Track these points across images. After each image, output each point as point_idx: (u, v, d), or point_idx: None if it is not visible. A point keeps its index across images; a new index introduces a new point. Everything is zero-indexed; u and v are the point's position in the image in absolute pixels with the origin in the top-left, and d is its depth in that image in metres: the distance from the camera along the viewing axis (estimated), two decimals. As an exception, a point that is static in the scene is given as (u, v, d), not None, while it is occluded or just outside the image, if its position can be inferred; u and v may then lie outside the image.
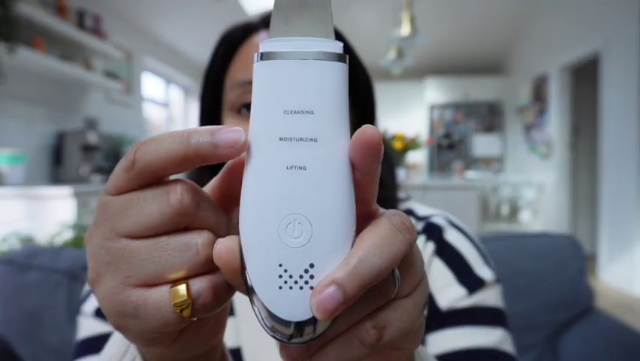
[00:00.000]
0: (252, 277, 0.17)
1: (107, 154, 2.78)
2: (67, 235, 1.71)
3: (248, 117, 0.42)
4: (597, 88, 3.74)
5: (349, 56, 0.46)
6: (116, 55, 3.08)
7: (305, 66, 0.17)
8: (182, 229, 0.19)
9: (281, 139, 0.17)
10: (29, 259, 0.77)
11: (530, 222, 3.38)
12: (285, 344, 0.18)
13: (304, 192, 0.17)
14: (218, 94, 0.47)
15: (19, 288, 0.75)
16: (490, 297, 0.47)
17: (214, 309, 0.19)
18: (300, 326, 0.17)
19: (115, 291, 0.19)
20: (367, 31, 5.20)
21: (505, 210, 3.59)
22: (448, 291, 0.46)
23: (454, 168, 4.81)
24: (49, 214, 1.99)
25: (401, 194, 0.55)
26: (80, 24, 2.73)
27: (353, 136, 0.17)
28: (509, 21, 5.31)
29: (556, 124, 4.46)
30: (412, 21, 3.07)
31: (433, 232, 0.49)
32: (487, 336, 0.44)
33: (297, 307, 0.17)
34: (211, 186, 0.22)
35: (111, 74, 3.14)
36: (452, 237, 0.49)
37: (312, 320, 0.17)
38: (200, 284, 0.19)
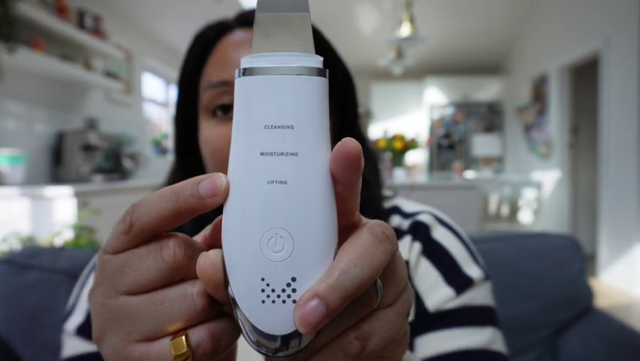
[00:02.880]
0: (235, 291, 0.17)
1: (107, 154, 2.78)
2: (68, 235, 1.71)
3: (222, 120, 0.42)
4: (597, 88, 3.74)
5: (329, 56, 0.46)
6: (116, 55, 3.09)
7: (284, 81, 0.17)
8: (177, 281, 0.20)
9: (262, 154, 0.17)
10: (29, 259, 0.77)
11: (530, 222, 3.38)
12: (270, 357, 0.18)
13: (285, 207, 0.17)
14: (193, 95, 0.46)
15: (19, 288, 0.75)
16: (479, 296, 0.46)
17: (215, 356, 0.19)
18: (284, 339, 0.17)
19: (119, 348, 0.19)
20: (367, 31, 5.20)
21: (505, 210, 3.59)
22: (435, 292, 0.45)
23: (454, 168, 4.81)
24: (50, 214, 1.99)
25: (387, 192, 0.54)
26: (80, 24, 2.73)
27: (333, 149, 0.17)
28: (509, 21, 5.31)
29: (556, 124, 4.46)
30: (412, 21, 3.07)
31: (419, 231, 0.48)
32: (476, 336, 0.43)
33: (280, 321, 0.17)
34: (203, 235, 0.22)
35: (111, 74, 3.14)
36: (440, 234, 0.48)
37: (297, 333, 0.17)
38: (199, 334, 0.19)
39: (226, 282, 0.18)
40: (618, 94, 3.40)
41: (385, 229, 0.19)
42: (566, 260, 0.82)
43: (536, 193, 3.30)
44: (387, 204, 0.52)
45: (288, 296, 0.17)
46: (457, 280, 0.46)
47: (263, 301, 0.17)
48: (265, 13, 0.18)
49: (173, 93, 4.83)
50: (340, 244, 0.18)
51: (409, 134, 3.51)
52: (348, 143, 0.17)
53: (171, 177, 0.49)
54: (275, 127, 0.17)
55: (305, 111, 0.17)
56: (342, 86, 0.48)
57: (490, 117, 5.97)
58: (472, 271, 0.47)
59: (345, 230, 0.19)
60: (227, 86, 0.41)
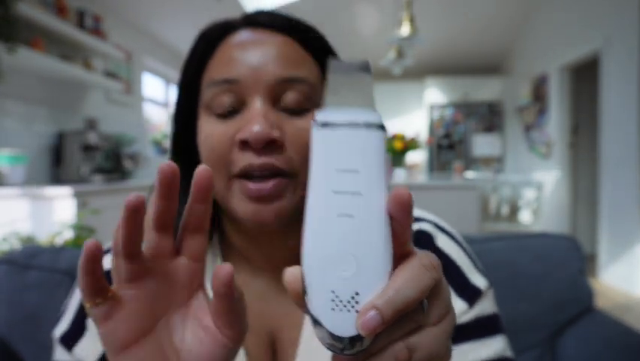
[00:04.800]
0: (311, 299, 0.22)
1: (107, 154, 2.78)
2: (68, 235, 1.71)
3: (223, 117, 0.41)
4: (597, 88, 3.74)
5: (331, 55, 0.45)
6: (116, 55, 3.08)
7: (353, 134, 0.21)
8: None
9: (334, 192, 0.21)
10: (30, 259, 0.77)
11: (530, 222, 3.38)
12: (337, 354, 0.23)
13: (352, 235, 0.21)
14: (194, 92, 0.45)
15: (19, 288, 0.75)
16: (487, 305, 0.47)
17: None
18: (349, 340, 0.22)
19: None
20: (367, 31, 5.20)
21: (505, 210, 3.59)
22: None
23: (454, 168, 4.82)
24: (50, 214, 1.99)
25: None
26: (80, 24, 2.73)
27: (390, 195, 0.21)
28: (509, 21, 5.31)
29: (556, 124, 4.46)
30: (412, 21, 3.07)
31: (424, 241, 0.48)
32: (491, 347, 0.45)
33: (346, 325, 0.21)
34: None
35: (111, 74, 3.14)
36: (443, 243, 0.48)
37: (359, 337, 0.21)
38: None
39: (304, 292, 0.22)
40: (618, 94, 3.40)
41: (432, 260, 0.23)
42: (566, 260, 0.82)
43: (536, 193, 3.30)
44: None
45: (352, 306, 0.21)
46: (468, 292, 0.46)
47: (332, 309, 0.21)
48: (337, 74, 0.22)
49: (173, 93, 4.83)
50: (395, 268, 0.22)
51: (409, 134, 3.51)
52: (401, 191, 0.21)
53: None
54: (345, 171, 0.21)
55: (368, 159, 0.21)
56: None
57: (490, 117, 5.97)
58: (478, 280, 0.48)
59: (400, 257, 0.23)
60: (231, 84, 0.41)
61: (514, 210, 3.60)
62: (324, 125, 0.22)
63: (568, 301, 0.80)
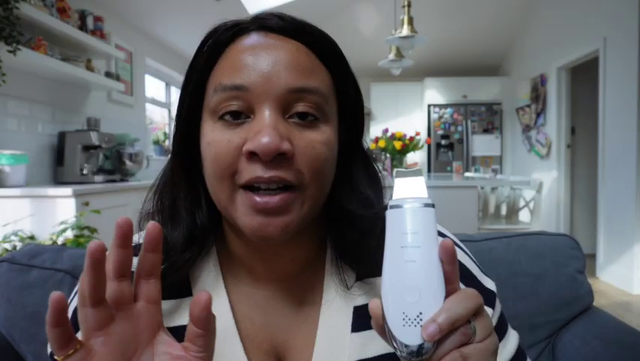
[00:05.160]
0: (388, 320, 0.30)
1: (109, 154, 2.79)
2: (69, 235, 1.71)
3: (229, 125, 0.40)
4: (595, 88, 3.74)
5: (347, 75, 0.45)
6: (118, 55, 3.09)
7: (414, 210, 0.31)
8: None
9: (402, 247, 0.31)
10: (31, 259, 0.78)
11: (529, 221, 3.38)
12: (408, 359, 0.30)
13: (416, 274, 0.30)
14: (199, 93, 0.43)
15: (21, 287, 0.75)
16: (499, 306, 0.49)
17: None
18: (417, 348, 0.29)
19: None
20: (367, 32, 5.21)
21: (504, 210, 3.59)
22: None
23: (453, 168, 4.82)
24: (51, 214, 1.99)
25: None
26: (82, 25, 2.73)
27: (440, 245, 0.30)
28: (508, 22, 5.31)
29: (554, 124, 4.47)
30: (412, 22, 3.07)
31: None
32: (509, 344, 0.48)
33: (414, 336, 0.29)
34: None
35: (113, 75, 3.15)
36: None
37: (424, 345, 0.29)
38: None
39: (383, 316, 0.31)
40: (617, 94, 3.41)
41: (473, 293, 0.31)
42: (565, 259, 0.82)
43: (535, 193, 3.30)
44: None
45: (418, 323, 0.29)
46: (485, 296, 0.47)
47: (403, 326, 0.30)
48: (400, 177, 0.33)
49: (174, 94, 4.84)
50: (447, 296, 0.31)
51: (408, 135, 3.51)
52: (447, 242, 0.30)
53: (168, 175, 0.47)
54: (409, 233, 0.31)
55: (424, 225, 0.31)
56: (353, 104, 0.46)
57: (489, 118, 5.97)
58: (489, 283, 0.49)
59: (451, 291, 0.31)
60: (240, 90, 0.39)
61: (513, 210, 3.60)
62: (395, 207, 0.32)
63: (567, 301, 0.80)
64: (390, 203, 0.32)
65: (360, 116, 0.48)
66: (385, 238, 0.32)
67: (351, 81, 0.46)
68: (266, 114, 0.38)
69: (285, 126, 0.39)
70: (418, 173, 0.33)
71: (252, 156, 0.38)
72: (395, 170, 0.34)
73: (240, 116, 0.40)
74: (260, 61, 0.39)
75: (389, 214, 0.32)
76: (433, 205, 0.32)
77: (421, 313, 0.29)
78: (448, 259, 0.30)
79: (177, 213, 0.45)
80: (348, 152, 0.46)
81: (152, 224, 0.31)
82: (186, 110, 0.44)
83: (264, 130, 0.37)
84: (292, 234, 0.40)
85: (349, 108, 0.46)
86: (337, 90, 0.44)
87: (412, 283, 0.30)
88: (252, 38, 0.41)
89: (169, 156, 0.47)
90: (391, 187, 0.57)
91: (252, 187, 0.38)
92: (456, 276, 0.31)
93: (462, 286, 0.32)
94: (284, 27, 0.42)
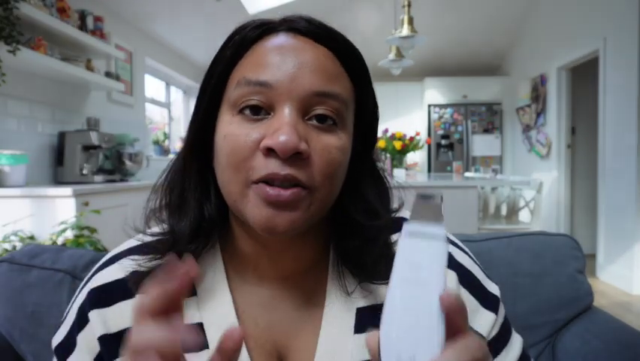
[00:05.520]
0: (383, 358, 0.28)
1: (108, 154, 2.79)
2: (69, 235, 1.71)
3: (248, 119, 0.40)
4: (595, 88, 3.74)
5: (367, 87, 0.45)
6: (118, 55, 3.09)
7: (425, 243, 0.30)
8: None
9: (407, 281, 0.29)
10: (31, 259, 0.78)
11: (529, 221, 3.38)
12: None
13: (415, 313, 0.28)
14: (220, 87, 0.43)
15: (20, 287, 0.75)
16: (502, 311, 0.49)
17: None
18: None
19: None
20: (367, 32, 5.21)
21: (504, 210, 3.59)
22: (479, 317, 0.47)
23: (453, 168, 4.82)
24: (51, 214, 1.99)
25: (395, 205, 0.54)
26: (82, 25, 2.73)
27: (441, 297, 0.27)
28: (508, 22, 5.32)
29: (554, 124, 4.47)
30: (412, 22, 3.07)
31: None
32: (515, 347, 0.48)
33: None
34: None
35: (113, 75, 3.15)
36: (459, 257, 0.49)
37: None
38: None
39: (379, 353, 0.28)
40: (617, 94, 3.41)
41: (474, 345, 0.28)
42: (565, 259, 0.82)
43: (535, 193, 3.30)
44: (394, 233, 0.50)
45: None
46: (490, 301, 0.48)
47: None
48: (420, 200, 0.32)
49: (173, 94, 4.84)
50: (451, 337, 0.28)
51: (408, 135, 3.51)
52: (448, 295, 0.27)
53: (179, 165, 0.46)
54: (417, 267, 0.29)
55: (433, 260, 0.29)
56: (370, 116, 0.47)
57: (490, 117, 5.97)
58: (492, 287, 0.49)
59: (456, 333, 0.28)
60: (264, 87, 0.39)
61: (513, 210, 3.60)
62: (412, 236, 0.31)
63: (567, 300, 0.80)
64: (404, 228, 0.30)
65: (375, 129, 0.49)
66: (394, 265, 0.30)
67: (370, 92, 0.46)
68: (286, 112, 0.39)
69: (304, 127, 0.39)
70: (436, 198, 0.32)
71: (270, 152, 0.38)
72: (417, 193, 0.32)
73: (259, 112, 0.40)
74: (287, 61, 0.40)
75: (403, 243, 0.30)
76: (446, 238, 0.31)
77: (414, 357, 0.28)
78: (451, 309, 0.28)
79: (186, 204, 0.45)
80: (358, 162, 0.46)
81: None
82: (207, 101, 0.44)
83: (284, 128, 0.37)
84: (298, 231, 0.40)
85: (366, 119, 0.46)
86: (357, 100, 0.45)
87: (411, 321, 0.28)
88: (280, 38, 0.42)
89: (178, 150, 0.47)
90: (395, 187, 0.57)
91: (265, 182, 0.39)
92: (461, 321, 0.28)
93: (469, 332, 0.29)
94: (312, 31, 0.42)
